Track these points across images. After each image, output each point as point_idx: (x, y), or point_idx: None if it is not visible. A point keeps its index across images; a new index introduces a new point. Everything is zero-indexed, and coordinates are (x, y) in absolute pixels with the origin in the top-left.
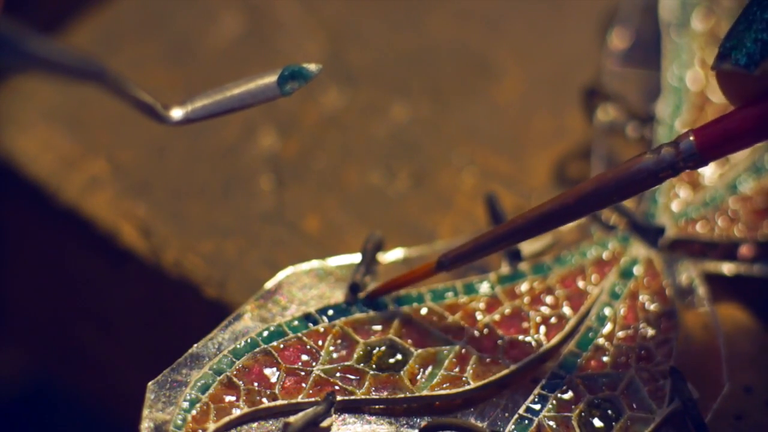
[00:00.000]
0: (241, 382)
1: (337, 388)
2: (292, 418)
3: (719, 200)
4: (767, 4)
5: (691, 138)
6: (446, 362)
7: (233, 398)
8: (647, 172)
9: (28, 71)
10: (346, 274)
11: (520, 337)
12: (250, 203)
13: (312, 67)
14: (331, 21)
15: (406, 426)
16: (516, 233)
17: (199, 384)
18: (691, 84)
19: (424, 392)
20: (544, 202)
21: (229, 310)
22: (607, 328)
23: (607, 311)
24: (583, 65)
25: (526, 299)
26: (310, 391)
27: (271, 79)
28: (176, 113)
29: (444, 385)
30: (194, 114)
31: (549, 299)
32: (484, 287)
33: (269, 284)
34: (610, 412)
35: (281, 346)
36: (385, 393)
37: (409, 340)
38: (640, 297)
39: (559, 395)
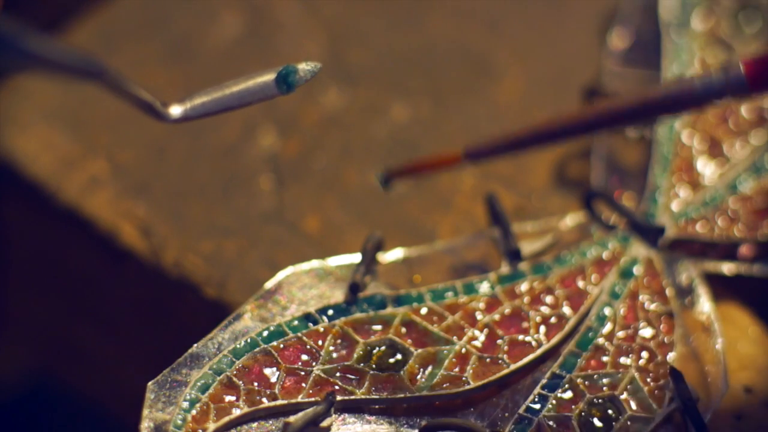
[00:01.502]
0: (241, 382)
1: (337, 387)
2: (292, 418)
3: (719, 200)
4: None
5: (742, 68)
6: (446, 362)
7: (233, 398)
8: (694, 94)
9: (28, 70)
10: (346, 274)
11: (520, 337)
12: (250, 203)
13: (311, 65)
14: (331, 21)
15: (406, 426)
16: (549, 136)
17: (199, 384)
18: None
19: (424, 392)
20: (583, 108)
21: (229, 310)
22: (607, 328)
23: (607, 311)
24: (583, 65)
25: (526, 299)
26: (310, 391)
27: (270, 77)
28: (175, 111)
29: (444, 385)
30: (193, 112)
31: (549, 299)
32: (484, 287)
33: (269, 284)
34: (610, 411)
35: (281, 345)
36: (385, 393)
37: (409, 340)
38: (640, 297)
39: (559, 395)
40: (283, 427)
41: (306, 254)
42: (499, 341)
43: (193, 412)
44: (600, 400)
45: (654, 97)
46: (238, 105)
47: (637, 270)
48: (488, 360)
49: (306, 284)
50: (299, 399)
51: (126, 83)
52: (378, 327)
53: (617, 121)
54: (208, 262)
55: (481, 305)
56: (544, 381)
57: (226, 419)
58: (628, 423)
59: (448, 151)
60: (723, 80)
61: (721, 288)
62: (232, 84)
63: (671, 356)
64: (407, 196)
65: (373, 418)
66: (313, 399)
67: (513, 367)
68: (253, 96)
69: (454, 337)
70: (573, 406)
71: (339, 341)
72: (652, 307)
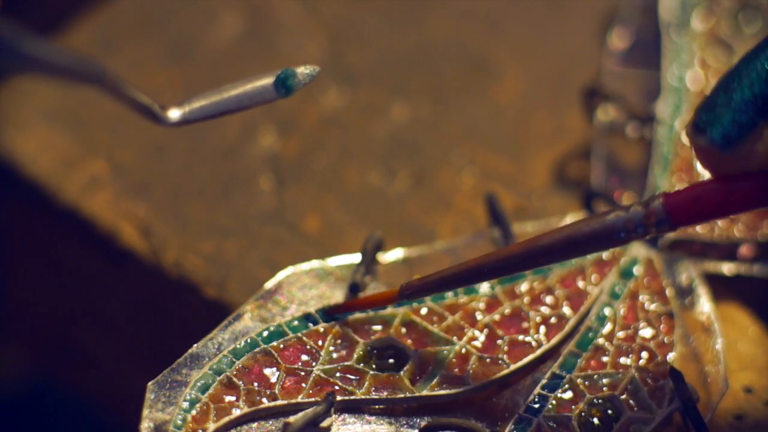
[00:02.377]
0: (241, 382)
1: (337, 388)
2: (292, 418)
3: None
4: (747, 81)
5: (661, 201)
6: (446, 362)
7: (233, 398)
8: (614, 231)
9: (27, 73)
10: (346, 274)
11: (520, 337)
12: (250, 203)
13: (309, 69)
14: (331, 21)
15: (406, 426)
16: (479, 274)
17: (199, 384)
18: (691, 84)
19: (424, 392)
20: (508, 245)
21: (229, 310)
22: (607, 328)
23: (607, 311)
24: (583, 65)
25: (526, 299)
26: (310, 391)
27: (268, 81)
28: (173, 114)
29: (444, 385)
30: (191, 115)
31: (549, 299)
32: (484, 287)
33: (269, 284)
34: (610, 412)
35: (281, 346)
36: (385, 393)
37: (409, 340)
38: (640, 297)
39: (559, 395)
40: (283, 427)
41: (306, 254)
42: (499, 341)
43: (193, 412)
44: (600, 401)
45: (574, 235)
46: (237, 108)
47: (637, 270)
48: (488, 360)
49: (306, 284)
50: (299, 399)
51: (124, 86)
52: (378, 327)
53: (539, 262)
54: (208, 262)
55: (481, 305)
56: (544, 381)
57: (226, 419)
58: (628, 423)
59: (384, 291)
60: (642, 215)
61: (721, 288)
62: (230, 87)
63: (671, 356)
64: (408, 196)
65: (373, 418)
66: (313, 399)
67: (513, 367)
68: (251, 99)
69: (454, 338)
70: (573, 407)
71: (339, 341)
72: (652, 307)
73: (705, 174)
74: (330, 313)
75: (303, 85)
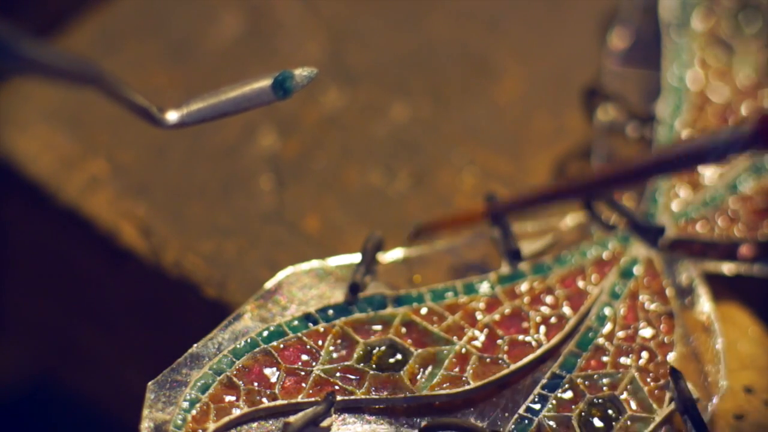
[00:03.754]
0: (241, 382)
1: (337, 387)
2: (292, 418)
3: (719, 200)
4: None
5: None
6: (446, 362)
7: (233, 398)
8: (715, 150)
9: (25, 75)
10: (346, 274)
11: (520, 337)
12: (250, 203)
13: (308, 71)
14: (331, 21)
15: (406, 426)
16: (575, 191)
17: (199, 384)
18: (691, 84)
19: (424, 392)
20: (599, 169)
21: (229, 310)
22: (607, 328)
23: (607, 311)
24: (583, 65)
25: (526, 299)
26: (310, 391)
27: (266, 83)
28: (172, 117)
29: (444, 385)
30: (190, 118)
31: (549, 299)
32: (484, 287)
33: (269, 284)
34: (610, 411)
35: (281, 346)
36: (385, 393)
37: (409, 340)
38: (640, 297)
39: (559, 395)
40: (283, 427)
41: (306, 254)
42: (499, 341)
43: (193, 412)
44: (600, 400)
45: (691, 147)
46: (235, 111)
47: (637, 270)
48: (488, 360)
49: (306, 284)
50: (299, 399)
51: (123, 89)
52: (378, 327)
53: (654, 170)
54: (208, 262)
55: (481, 305)
56: (544, 381)
57: (226, 419)
58: (628, 423)
59: (470, 207)
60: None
61: (721, 288)
62: (228, 90)
63: (671, 356)
64: (408, 196)
65: (373, 418)
66: (313, 399)
67: (513, 367)
68: (249, 102)
69: (454, 337)
70: (573, 406)
71: (339, 341)
72: (652, 307)
73: (705, 173)
74: (416, 236)
75: (301, 87)
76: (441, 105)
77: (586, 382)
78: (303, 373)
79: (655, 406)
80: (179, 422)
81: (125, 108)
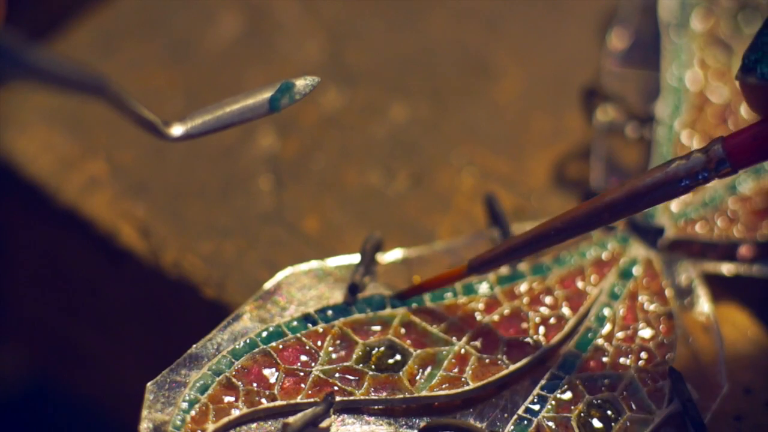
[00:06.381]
0: (240, 383)
1: (336, 388)
2: (291, 419)
3: (719, 200)
4: None
5: (720, 144)
6: (445, 363)
7: (232, 399)
8: (676, 179)
9: (29, 83)
10: (345, 275)
11: (520, 338)
12: (249, 203)
13: (309, 80)
14: (331, 21)
15: (405, 426)
16: (546, 238)
17: (198, 384)
18: (690, 84)
19: (423, 393)
20: (572, 208)
21: (228, 310)
22: (607, 328)
23: (606, 312)
24: (583, 65)
25: (526, 300)
26: (309, 392)
27: (268, 94)
28: (177, 130)
29: (443, 386)
30: (194, 130)
31: (548, 300)
32: (484, 288)
33: (268, 285)
34: (609, 412)
35: (280, 346)
36: (384, 393)
37: (409, 341)
38: (640, 297)
39: (558, 396)
40: (282, 427)
41: (305, 255)
42: (499, 342)
43: (192, 412)
44: (599, 401)
45: (636, 189)
46: (239, 121)
47: (636, 271)
48: (487, 361)
49: (305, 285)
50: (298, 400)
51: (128, 101)
52: (377, 328)
53: (603, 220)
54: (208, 262)
55: (481, 306)
56: (543, 382)
57: (225, 420)
58: (628, 424)
59: (451, 269)
60: (704, 161)
61: (721, 288)
62: (231, 101)
63: (671, 357)
64: (407, 197)
65: (372, 418)
66: (312, 400)
67: (512, 367)
68: (252, 112)
69: (454, 338)
70: (572, 407)
71: (338, 342)
72: (652, 307)
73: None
74: (401, 298)
75: (302, 97)
76: (440, 105)
77: (586, 383)
78: (302, 374)
79: (654, 406)
80: (178, 423)
81: (131, 120)
